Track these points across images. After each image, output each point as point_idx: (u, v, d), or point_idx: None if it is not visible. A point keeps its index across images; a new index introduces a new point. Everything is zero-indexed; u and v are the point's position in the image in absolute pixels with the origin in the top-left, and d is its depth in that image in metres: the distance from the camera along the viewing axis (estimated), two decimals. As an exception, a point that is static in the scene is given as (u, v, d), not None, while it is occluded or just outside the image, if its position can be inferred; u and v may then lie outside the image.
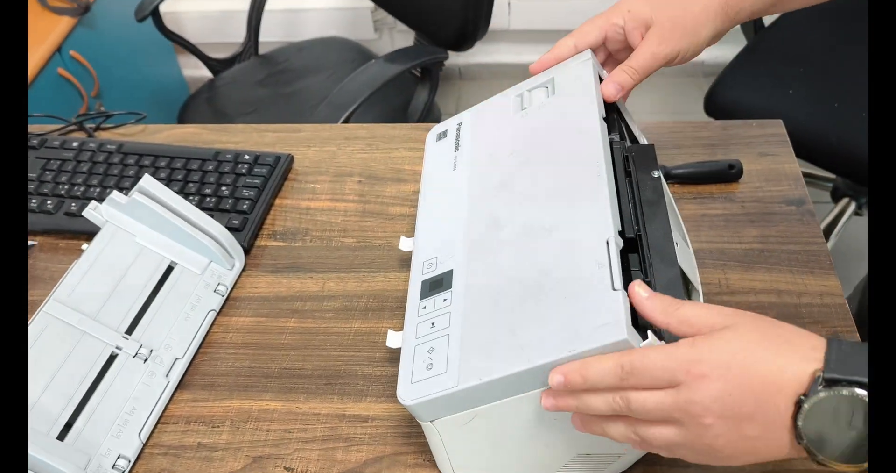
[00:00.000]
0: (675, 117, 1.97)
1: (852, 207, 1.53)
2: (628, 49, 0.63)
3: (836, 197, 1.58)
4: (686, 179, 0.79)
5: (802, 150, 1.25)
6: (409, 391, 0.51)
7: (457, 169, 0.64)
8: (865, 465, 0.40)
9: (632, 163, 0.60)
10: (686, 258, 0.58)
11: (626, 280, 0.49)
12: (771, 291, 0.69)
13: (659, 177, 0.58)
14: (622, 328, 0.44)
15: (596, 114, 0.59)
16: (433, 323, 0.54)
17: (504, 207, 0.58)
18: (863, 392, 0.39)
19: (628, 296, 0.47)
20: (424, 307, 0.55)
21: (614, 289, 0.47)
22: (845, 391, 0.39)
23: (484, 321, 0.51)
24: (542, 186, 0.57)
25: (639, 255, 0.52)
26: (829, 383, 0.40)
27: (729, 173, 0.79)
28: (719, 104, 1.32)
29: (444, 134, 0.69)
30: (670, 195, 0.64)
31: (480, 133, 0.66)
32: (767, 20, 1.43)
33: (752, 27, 1.43)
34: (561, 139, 0.59)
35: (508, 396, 0.49)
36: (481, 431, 0.52)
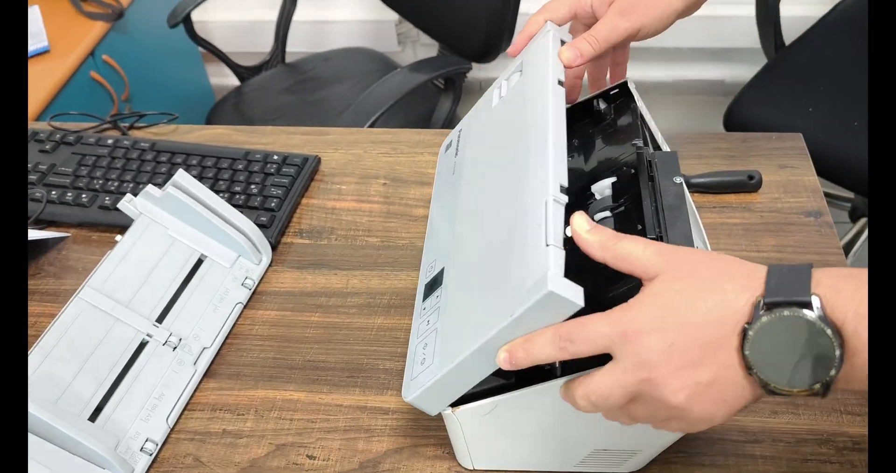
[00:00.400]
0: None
1: (870, 227, 1.54)
2: (594, 18, 0.63)
3: (854, 217, 1.58)
4: (706, 188, 0.81)
5: (821, 167, 1.26)
6: (408, 388, 0.52)
7: (454, 174, 0.66)
8: (817, 386, 0.39)
9: (655, 169, 0.61)
10: None
11: None
12: (788, 298, 0.70)
13: (681, 183, 0.60)
14: (545, 282, 0.43)
15: (548, 81, 0.58)
16: (428, 321, 0.55)
17: (477, 198, 0.59)
18: (807, 312, 0.38)
19: (571, 229, 0.46)
20: (424, 308, 0.57)
21: (546, 245, 0.45)
22: (787, 312, 0.38)
23: (457, 307, 0.52)
24: (507, 167, 0.57)
25: None
26: (771, 306, 0.39)
27: (748, 184, 0.80)
28: (738, 121, 1.34)
29: (450, 144, 0.71)
30: (692, 202, 0.65)
31: (470, 134, 0.68)
32: (788, 38, 1.45)
33: (773, 45, 1.45)
34: (524, 116, 0.59)
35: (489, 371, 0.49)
36: (500, 422, 0.53)
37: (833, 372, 0.39)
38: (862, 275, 0.39)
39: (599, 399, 0.44)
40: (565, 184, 0.50)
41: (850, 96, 1.31)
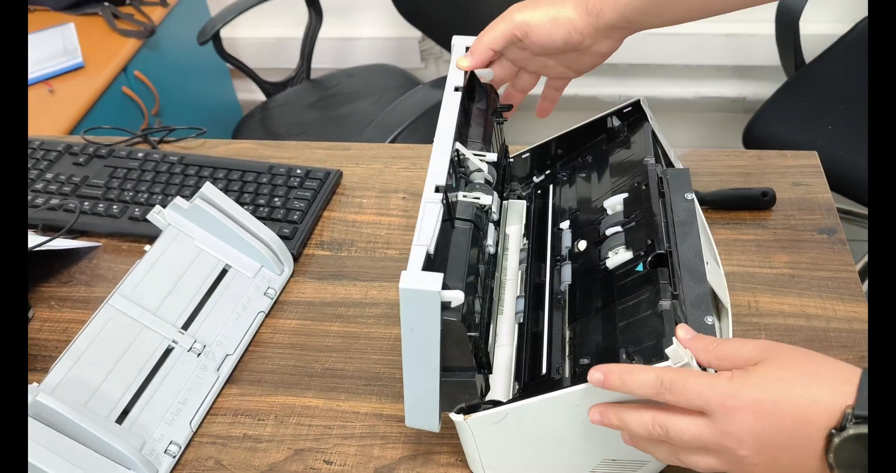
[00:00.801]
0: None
1: (892, 245, 1.53)
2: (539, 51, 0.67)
3: (875, 235, 1.57)
4: (719, 204, 0.82)
5: (840, 185, 1.27)
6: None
7: None
8: None
9: (666, 185, 0.63)
10: (716, 278, 0.60)
11: (656, 294, 0.52)
12: (800, 315, 0.71)
13: (692, 199, 0.61)
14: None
15: (448, 88, 0.62)
16: None
17: None
18: None
19: (675, 338, 0.48)
20: None
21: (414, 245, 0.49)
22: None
23: None
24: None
25: (668, 269, 0.55)
26: (860, 419, 0.41)
27: (762, 201, 0.81)
28: (757, 138, 1.34)
29: None
30: (703, 219, 0.66)
31: None
32: (808, 56, 1.45)
33: (793, 63, 1.45)
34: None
35: None
36: (512, 430, 0.55)
37: None
38: None
39: (677, 437, 0.46)
40: (441, 184, 0.52)
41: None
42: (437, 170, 0.53)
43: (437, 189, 0.52)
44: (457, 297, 0.47)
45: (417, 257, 0.47)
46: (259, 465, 0.64)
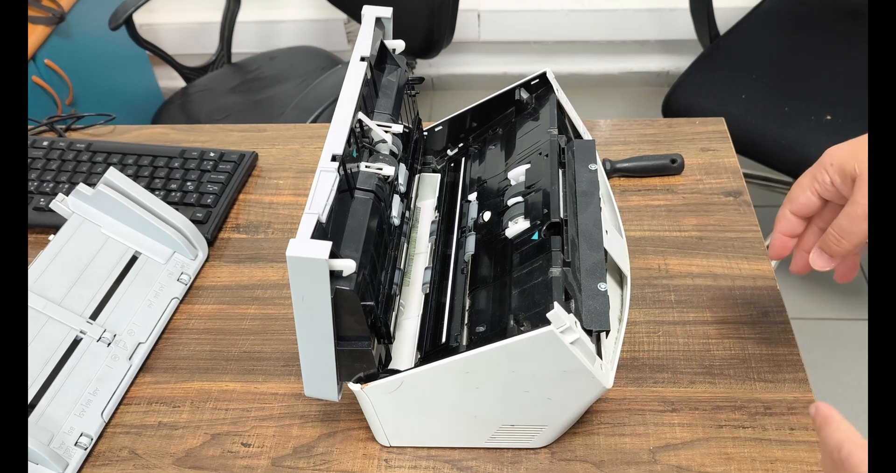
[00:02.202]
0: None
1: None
2: (843, 197, 0.55)
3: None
4: (630, 172, 0.83)
5: (755, 151, 1.31)
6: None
7: None
8: None
9: (570, 155, 0.63)
10: (617, 247, 0.61)
11: (548, 261, 0.52)
12: (707, 275, 0.73)
13: (595, 170, 0.62)
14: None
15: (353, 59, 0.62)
16: None
17: None
18: None
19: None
20: None
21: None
22: None
23: None
24: None
25: (561, 238, 0.55)
26: None
27: (671, 167, 0.83)
28: (675, 109, 1.37)
29: None
30: (609, 188, 0.67)
31: None
32: (723, 28, 1.49)
33: (708, 35, 1.49)
34: None
35: None
36: (410, 398, 0.55)
37: None
38: None
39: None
40: (338, 153, 0.52)
41: (781, 83, 1.35)
42: (336, 138, 0.53)
43: (334, 158, 0.51)
44: (348, 266, 0.47)
45: (307, 225, 0.46)
46: (175, 452, 0.63)
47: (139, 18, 1.53)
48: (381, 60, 0.69)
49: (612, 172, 0.83)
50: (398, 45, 0.70)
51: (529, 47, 2.09)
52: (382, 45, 0.68)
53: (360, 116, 0.59)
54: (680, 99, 1.37)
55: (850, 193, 0.52)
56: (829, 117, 1.27)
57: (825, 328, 1.50)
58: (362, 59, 0.62)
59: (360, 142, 0.60)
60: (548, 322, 0.48)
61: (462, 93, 2.18)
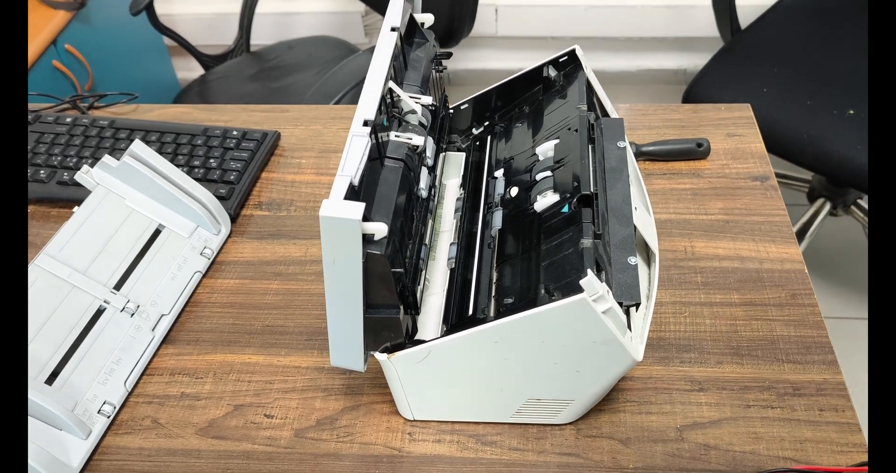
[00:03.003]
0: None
1: (827, 207, 1.58)
2: None
3: (812, 197, 1.62)
4: (656, 156, 0.83)
5: (776, 146, 1.30)
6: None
7: None
8: None
9: (599, 133, 0.63)
10: (646, 224, 0.61)
11: (579, 233, 0.52)
12: (734, 257, 0.72)
13: (624, 147, 0.61)
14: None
15: (385, 29, 0.62)
16: None
17: None
18: None
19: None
20: None
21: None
22: None
23: None
24: None
25: (593, 210, 0.55)
26: None
27: (697, 151, 0.82)
28: (696, 102, 1.36)
29: None
30: (636, 167, 0.67)
31: None
32: (744, 22, 1.48)
33: (730, 30, 1.48)
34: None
35: None
36: (436, 369, 0.54)
37: None
38: None
39: None
40: (371, 118, 0.52)
41: (803, 77, 1.34)
42: (367, 105, 0.52)
43: (366, 123, 0.51)
44: (380, 229, 0.46)
45: (340, 186, 0.46)
46: (198, 422, 0.63)
47: (159, 8, 1.54)
48: (409, 33, 0.69)
49: (638, 155, 0.83)
50: (427, 19, 0.70)
51: (547, 43, 2.08)
52: (412, 19, 0.68)
53: (391, 85, 0.59)
54: (701, 92, 1.36)
55: None
56: (851, 111, 1.26)
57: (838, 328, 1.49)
58: (392, 29, 0.61)
59: (390, 111, 0.60)
60: (580, 291, 0.47)
61: (478, 88, 2.17)
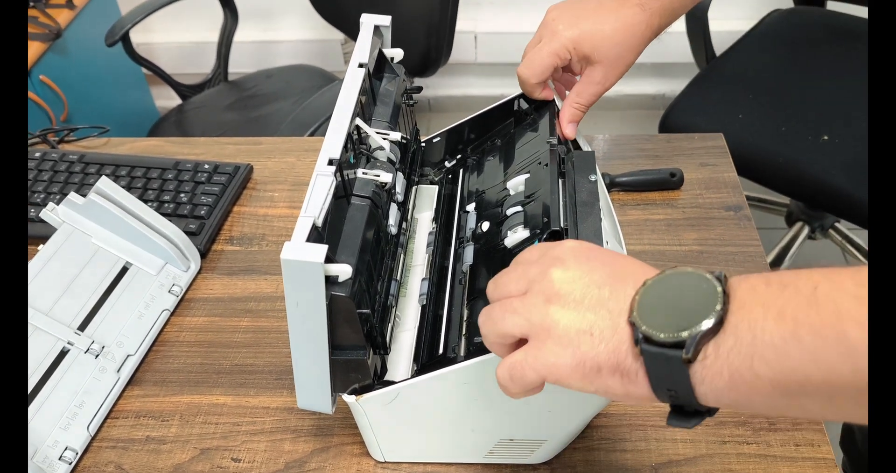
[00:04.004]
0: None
1: (805, 231, 1.59)
2: (570, 70, 0.67)
3: (790, 221, 1.63)
4: (630, 186, 0.83)
5: (752, 171, 1.31)
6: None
7: None
8: (684, 334, 0.35)
9: (570, 166, 0.63)
10: None
11: None
12: (709, 289, 0.72)
13: (595, 181, 0.61)
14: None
15: (353, 65, 0.62)
16: None
17: None
18: (706, 273, 0.37)
19: None
20: None
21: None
22: (689, 268, 0.38)
23: None
24: None
25: None
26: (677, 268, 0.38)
27: (670, 181, 0.82)
28: (672, 128, 1.37)
29: None
30: (609, 200, 0.66)
31: None
32: (719, 49, 1.50)
33: (705, 57, 1.49)
34: None
35: None
36: (406, 411, 0.53)
37: (707, 322, 0.35)
38: (774, 277, 0.37)
39: (501, 282, 0.43)
40: (335, 157, 0.51)
41: (778, 103, 1.35)
42: (332, 143, 0.52)
43: (331, 162, 0.50)
44: (344, 271, 0.45)
45: (303, 228, 0.45)
46: (163, 467, 0.61)
47: (136, 38, 1.53)
48: (379, 68, 0.68)
49: (612, 186, 0.83)
50: (396, 54, 0.70)
51: (526, 69, 2.10)
52: (381, 54, 0.68)
53: (358, 121, 0.58)
54: (677, 118, 1.37)
55: (579, 70, 0.64)
56: (825, 137, 1.27)
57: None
58: (360, 65, 0.61)
59: (357, 148, 0.59)
60: None
61: (459, 115, 2.17)
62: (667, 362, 0.36)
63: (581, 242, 0.43)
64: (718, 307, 0.35)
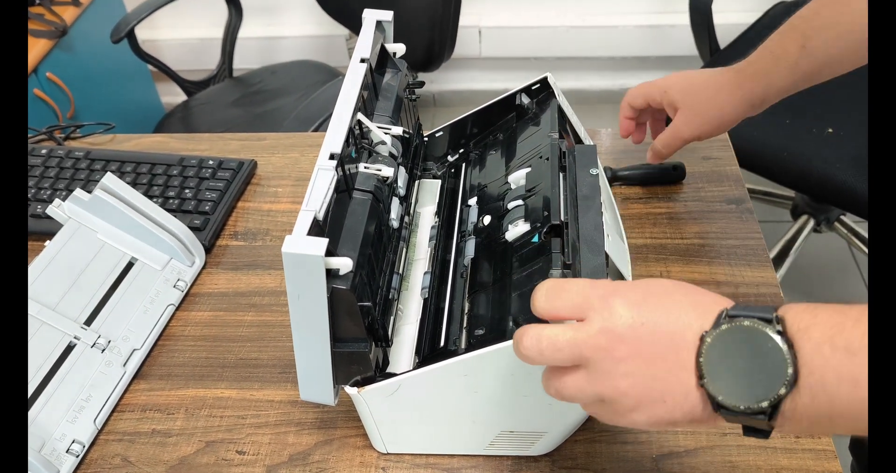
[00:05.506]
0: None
1: (811, 224, 1.58)
2: (661, 110, 0.78)
3: (795, 215, 1.62)
4: (632, 180, 0.83)
5: (757, 164, 1.31)
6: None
7: None
8: (764, 404, 0.37)
9: (571, 160, 0.63)
10: (618, 252, 0.60)
11: (548, 263, 0.52)
12: (710, 282, 0.72)
13: (597, 174, 0.61)
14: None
15: (354, 60, 0.62)
16: None
17: None
18: (766, 326, 0.38)
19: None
20: None
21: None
22: (747, 322, 0.38)
23: None
24: None
25: (562, 240, 0.54)
26: (733, 318, 0.39)
27: (672, 175, 0.82)
28: (677, 122, 1.37)
29: None
30: (610, 193, 0.67)
31: None
32: (723, 42, 1.49)
33: (709, 50, 1.49)
34: None
35: None
36: (407, 402, 0.54)
37: (783, 391, 0.37)
38: (827, 310, 0.38)
39: (549, 347, 0.42)
40: (337, 151, 0.52)
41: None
42: (334, 137, 0.52)
43: (332, 156, 0.51)
44: (345, 264, 0.46)
45: (304, 221, 0.46)
46: (168, 459, 0.62)
47: (141, 34, 1.54)
48: (381, 63, 0.69)
49: (614, 179, 0.83)
50: (399, 49, 0.70)
51: (530, 63, 2.09)
52: (383, 49, 0.68)
53: (360, 116, 0.59)
54: (680, 112, 1.36)
55: (670, 113, 0.76)
56: (830, 130, 1.27)
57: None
58: (362, 60, 0.61)
59: (359, 143, 0.60)
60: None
61: (464, 109, 2.17)
62: (748, 422, 0.39)
63: (639, 311, 0.41)
64: (790, 371, 0.37)
